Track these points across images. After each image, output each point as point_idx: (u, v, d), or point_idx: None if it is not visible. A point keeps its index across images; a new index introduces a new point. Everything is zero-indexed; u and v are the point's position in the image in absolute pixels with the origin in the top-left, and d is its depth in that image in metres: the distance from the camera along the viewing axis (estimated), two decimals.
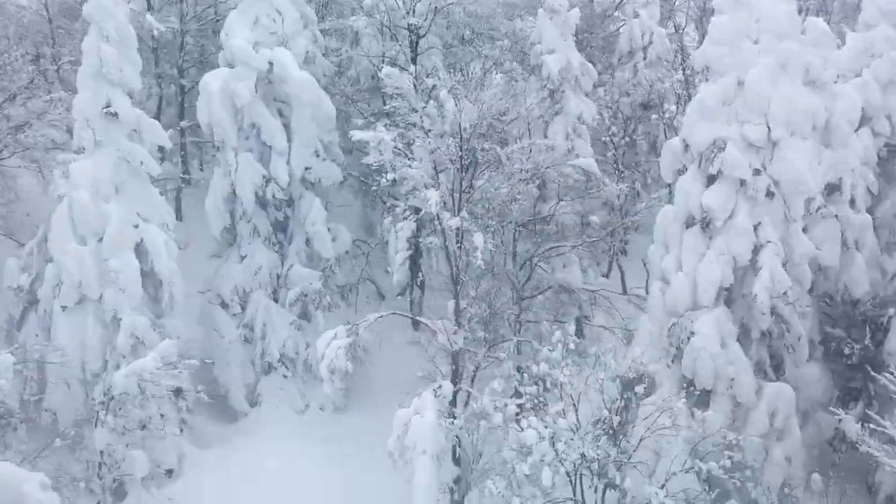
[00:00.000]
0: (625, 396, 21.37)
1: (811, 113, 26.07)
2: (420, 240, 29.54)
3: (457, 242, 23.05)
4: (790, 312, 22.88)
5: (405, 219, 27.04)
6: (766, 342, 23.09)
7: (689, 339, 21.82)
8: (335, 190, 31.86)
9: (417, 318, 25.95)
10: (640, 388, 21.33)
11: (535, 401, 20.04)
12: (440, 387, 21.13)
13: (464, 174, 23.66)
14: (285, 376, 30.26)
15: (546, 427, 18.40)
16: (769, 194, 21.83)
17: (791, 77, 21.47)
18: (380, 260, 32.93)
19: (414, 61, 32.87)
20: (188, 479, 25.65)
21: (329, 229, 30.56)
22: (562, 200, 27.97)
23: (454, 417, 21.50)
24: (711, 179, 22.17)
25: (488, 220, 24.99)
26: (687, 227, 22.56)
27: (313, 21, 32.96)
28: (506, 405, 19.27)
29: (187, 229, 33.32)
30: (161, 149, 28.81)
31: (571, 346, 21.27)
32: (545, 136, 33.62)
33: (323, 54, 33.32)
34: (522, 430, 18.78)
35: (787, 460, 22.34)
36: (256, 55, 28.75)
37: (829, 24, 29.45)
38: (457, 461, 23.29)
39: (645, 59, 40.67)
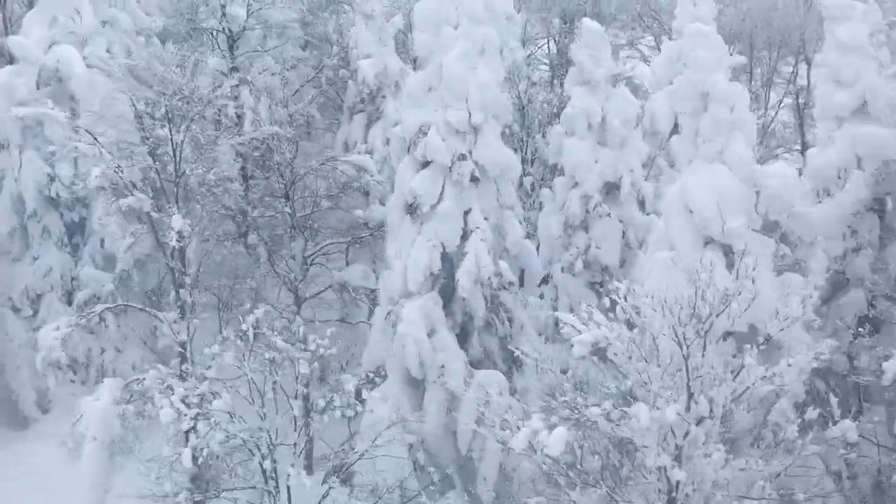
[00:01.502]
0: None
1: (585, 111, 26.25)
2: None
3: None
4: (513, 301, 22.64)
5: None
6: (493, 331, 22.82)
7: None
8: None
9: (145, 308, 25.63)
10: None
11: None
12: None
13: None
14: (73, 381, 29.77)
15: (191, 407, 17.95)
16: (474, 179, 21.67)
17: (487, 61, 21.40)
18: None
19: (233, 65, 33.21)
20: None
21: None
22: (333, 195, 27.71)
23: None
24: (424, 165, 22.05)
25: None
26: (405, 214, 22.39)
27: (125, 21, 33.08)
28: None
29: None
30: None
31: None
32: (365, 141, 33.87)
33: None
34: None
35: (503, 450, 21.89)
36: (37, 52, 28.78)
37: None
38: None
39: None
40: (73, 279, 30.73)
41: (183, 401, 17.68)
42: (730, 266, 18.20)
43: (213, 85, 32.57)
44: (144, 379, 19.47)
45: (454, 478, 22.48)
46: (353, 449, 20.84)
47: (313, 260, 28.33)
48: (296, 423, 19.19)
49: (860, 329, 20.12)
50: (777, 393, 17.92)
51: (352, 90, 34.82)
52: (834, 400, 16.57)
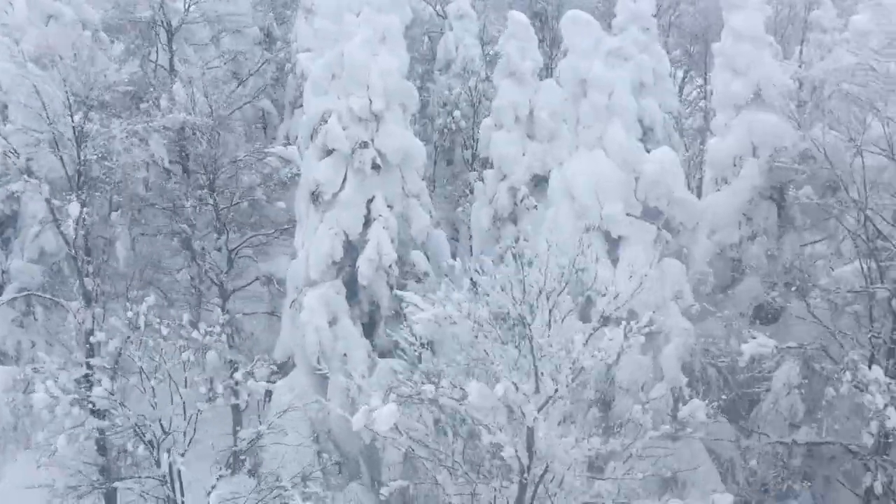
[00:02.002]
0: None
1: (513, 104, 26.24)
2: None
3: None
4: (423, 291, 22.58)
5: None
6: (402, 320, 22.75)
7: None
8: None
9: (53, 298, 25.60)
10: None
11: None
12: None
13: None
14: None
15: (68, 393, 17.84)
16: (376, 167, 21.66)
17: (390, 49, 21.39)
18: None
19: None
20: None
21: None
22: (260, 188, 27.71)
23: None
24: (328, 154, 22.03)
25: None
26: (310, 203, 22.38)
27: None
28: None
29: None
30: None
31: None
32: None
33: None
34: None
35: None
36: None
37: None
38: None
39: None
40: (3, 272, 30.72)
41: (63, 388, 17.63)
42: (611, 252, 18.25)
43: (148, 77, 32.77)
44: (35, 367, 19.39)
45: (360, 466, 22.46)
46: (256, 438, 20.78)
47: (238, 252, 28.32)
48: (185, 412, 19.16)
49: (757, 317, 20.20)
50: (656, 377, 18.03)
51: (291, 84, 34.90)
52: (704, 386, 16.52)
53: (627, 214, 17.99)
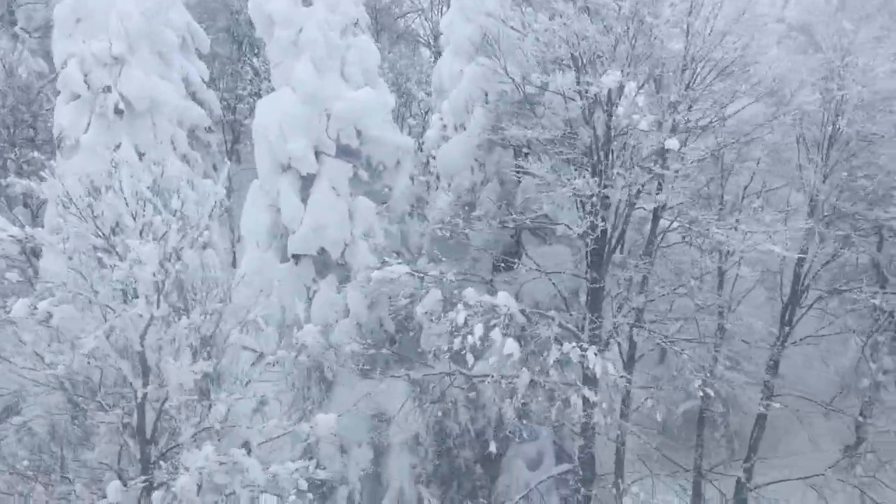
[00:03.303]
0: None
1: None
2: None
3: None
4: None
5: None
6: None
7: None
8: None
9: None
10: None
11: None
12: None
13: None
14: None
15: None
16: (119, 112, 21.52)
17: None
18: None
19: None
20: None
21: None
22: None
23: None
24: (77, 98, 21.87)
25: None
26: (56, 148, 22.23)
27: None
28: None
29: None
30: None
31: None
32: None
33: None
34: None
35: None
36: None
37: None
38: None
39: None
40: None
41: None
42: (304, 190, 18.21)
43: None
44: None
45: None
46: None
47: None
48: None
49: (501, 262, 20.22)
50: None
51: None
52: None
53: (319, 152, 17.90)
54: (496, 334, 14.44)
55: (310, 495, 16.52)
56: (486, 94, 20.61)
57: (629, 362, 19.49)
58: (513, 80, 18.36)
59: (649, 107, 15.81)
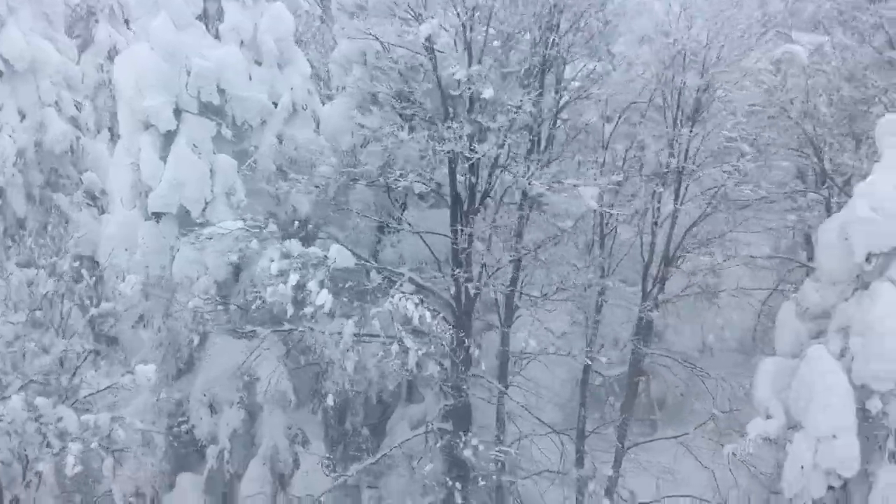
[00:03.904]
0: None
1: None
2: None
3: None
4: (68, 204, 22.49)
5: None
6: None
7: None
8: None
9: None
10: None
11: None
12: None
13: None
14: None
15: None
16: None
17: None
18: None
19: None
20: None
21: None
22: None
23: None
24: None
25: None
26: None
27: None
28: None
29: None
30: None
31: None
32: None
33: None
34: None
35: None
36: None
37: None
38: None
39: None
40: None
41: None
42: (165, 148, 18.10)
43: None
44: None
45: None
46: None
47: None
48: None
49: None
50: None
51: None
52: None
53: (181, 110, 17.79)
54: (313, 285, 14.39)
55: None
56: (365, 54, 20.49)
57: (506, 320, 19.39)
58: (376, 37, 18.20)
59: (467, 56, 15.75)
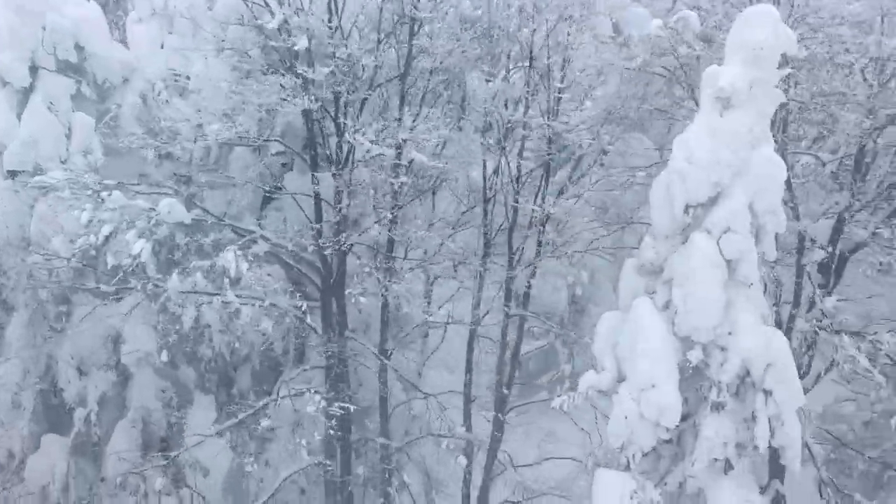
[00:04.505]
0: None
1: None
2: None
3: None
4: None
5: None
6: None
7: None
8: None
9: None
10: None
11: None
12: None
13: None
14: None
15: None
16: None
17: None
18: None
19: None
20: None
21: None
22: None
23: None
24: None
25: None
26: None
27: None
28: None
29: None
30: None
31: None
32: None
33: None
34: None
35: None
36: None
37: None
38: None
39: None
40: None
41: None
42: (21, 105, 17.96)
43: None
44: None
45: None
46: None
47: None
48: None
49: None
50: None
51: None
52: None
53: (37, 67, 17.63)
54: (131, 236, 14.32)
55: None
56: (243, 15, 20.39)
57: (386, 284, 19.39)
58: None
59: None
